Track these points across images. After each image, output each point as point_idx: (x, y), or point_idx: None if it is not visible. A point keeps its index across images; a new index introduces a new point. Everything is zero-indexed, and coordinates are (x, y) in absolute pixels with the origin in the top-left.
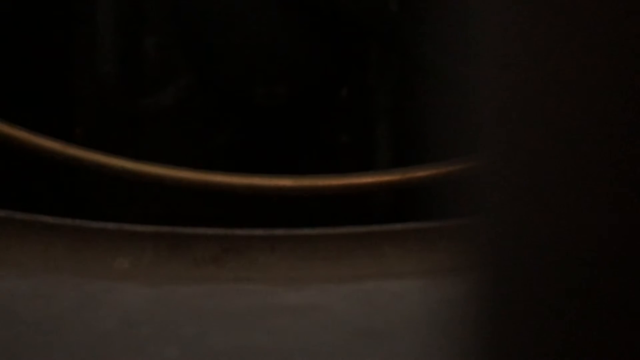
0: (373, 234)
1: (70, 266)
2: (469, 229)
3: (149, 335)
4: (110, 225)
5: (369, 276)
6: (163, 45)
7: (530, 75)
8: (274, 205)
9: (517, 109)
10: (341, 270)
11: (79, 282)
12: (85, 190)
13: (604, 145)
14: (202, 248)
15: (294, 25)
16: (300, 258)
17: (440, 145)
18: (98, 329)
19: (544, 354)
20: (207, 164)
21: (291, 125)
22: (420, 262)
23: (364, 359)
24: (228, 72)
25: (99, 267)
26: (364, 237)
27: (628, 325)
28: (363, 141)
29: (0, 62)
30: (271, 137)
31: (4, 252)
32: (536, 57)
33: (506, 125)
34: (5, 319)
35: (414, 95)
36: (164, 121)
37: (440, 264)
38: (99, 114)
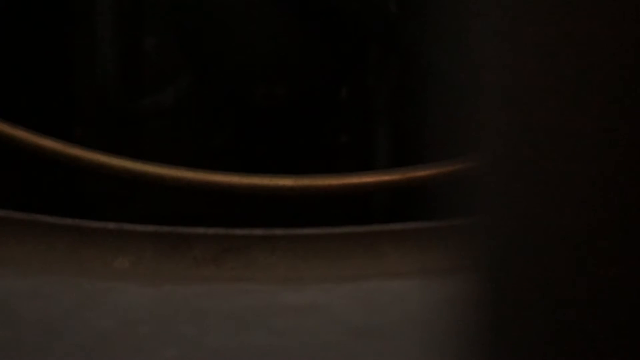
0: (373, 234)
1: (70, 266)
2: (469, 229)
3: (149, 335)
4: (110, 225)
5: (369, 276)
6: (163, 45)
7: (531, 74)
8: (274, 205)
9: (518, 109)
10: (341, 270)
11: (79, 282)
12: (85, 190)
13: (605, 146)
14: (202, 248)
15: (293, 26)
16: (300, 258)
17: (440, 145)
18: (98, 329)
19: (543, 354)
20: (207, 164)
21: (291, 126)
22: (420, 262)
23: (364, 358)
24: (228, 72)
25: (99, 267)
26: (364, 237)
27: (628, 325)
28: (363, 141)
29: (0, 62)
30: (271, 137)
31: (4, 252)
32: (537, 57)
33: (506, 125)
34: (5, 319)
35: (414, 95)
36: (164, 121)
37: (440, 264)
38: (99, 114)
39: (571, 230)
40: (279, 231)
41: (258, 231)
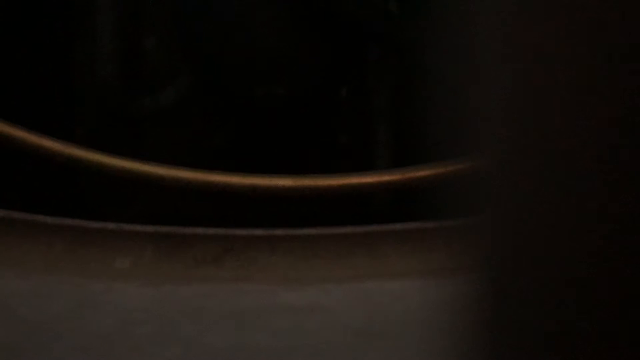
0: (373, 234)
1: (70, 266)
2: (469, 229)
3: (149, 335)
4: (110, 225)
5: (369, 276)
6: (163, 45)
7: (531, 75)
8: (274, 205)
9: (518, 109)
10: (341, 270)
11: (79, 282)
12: (85, 190)
13: (606, 146)
14: (202, 248)
15: (293, 26)
16: (300, 258)
17: (440, 145)
18: (98, 329)
19: (543, 354)
20: (207, 164)
21: (291, 126)
22: (420, 262)
23: (364, 358)
24: (228, 72)
25: (99, 267)
26: (364, 237)
27: (628, 325)
28: (363, 141)
29: (1, 62)
30: (271, 137)
31: (4, 252)
32: (537, 57)
33: (506, 125)
34: (5, 319)
35: (414, 95)
36: (164, 121)
37: (440, 264)
38: (99, 114)
39: (572, 230)
40: (279, 231)
41: (258, 231)
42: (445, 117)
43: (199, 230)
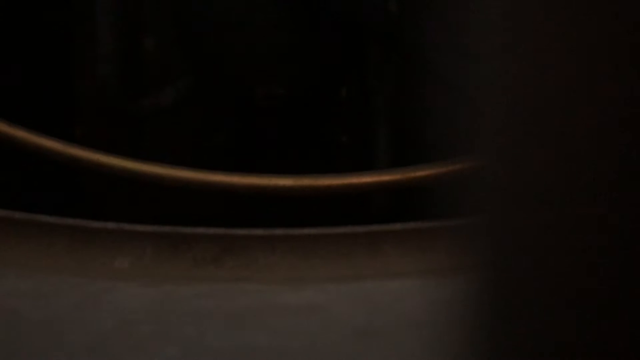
0: (373, 234)
1: (70, 266)
2: (469, 229)
3: (149, 335)
4: (110, 225)
5: (369, 276)
6: (163, 45)
7: (532, 75)
8: (274, 205)
9: (518, 109)
10: (341, 270)
11: (79, 282)
12: (85, 190)
13: (605, 146)
14: (202, 248)
15: (294, 25)
16: (300, 258)
17: (440, 145)
18: (98, 329)
19: (543, 354)
20: (207, 163)
21: (291, 126)
22: (420, 262)
23: (364, 358)
24: (228, 72)
25: (99, 267)
26: (364, 237)
27: (628, 325)
28: (363, 141)
29: (0, 62)
30: (271, 137)
31: (4, 252)
32: (537, 57)
33: (506, 125)
34: (5, 319)
35: (414, 95)
36: (164, 121)
37: (440, 264)
38: (99, 114)
39: (571, 230)
40: (279, 231)
41: (258, 231)
42: (446, 117)
43: (199, 230)
